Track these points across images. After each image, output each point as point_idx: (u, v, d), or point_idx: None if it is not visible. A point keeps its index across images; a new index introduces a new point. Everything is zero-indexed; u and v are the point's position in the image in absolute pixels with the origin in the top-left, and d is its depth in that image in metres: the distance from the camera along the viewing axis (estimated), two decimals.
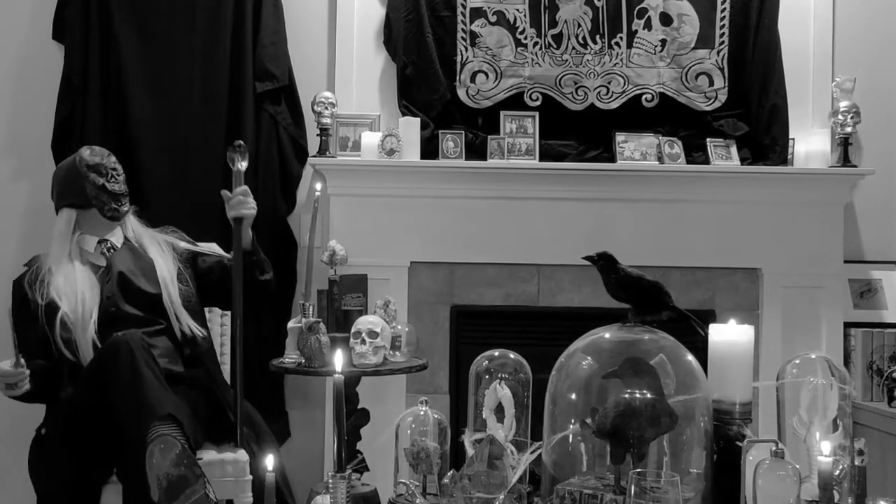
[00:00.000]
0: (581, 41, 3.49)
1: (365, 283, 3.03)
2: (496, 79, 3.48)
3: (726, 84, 3.49)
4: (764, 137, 3.46)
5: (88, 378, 2.49)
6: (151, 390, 2.38)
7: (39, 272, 2.72)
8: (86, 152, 2.80)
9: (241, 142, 2.82)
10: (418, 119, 3.41)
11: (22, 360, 2.48)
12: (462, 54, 3.48)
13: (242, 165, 2.77)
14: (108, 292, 2.71)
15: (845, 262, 3.48)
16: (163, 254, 2.82)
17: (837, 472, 1.99)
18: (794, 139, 3.49)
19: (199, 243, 2.98)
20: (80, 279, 2.69)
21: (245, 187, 2.77)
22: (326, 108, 3.38)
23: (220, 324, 3.10)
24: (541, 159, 3.42)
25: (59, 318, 2.62)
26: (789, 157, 3.48)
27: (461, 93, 3.47)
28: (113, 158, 2.83)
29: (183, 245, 2.90)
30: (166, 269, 2.78)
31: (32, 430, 2.64)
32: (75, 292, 2.66)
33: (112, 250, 2.80)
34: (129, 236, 2.85)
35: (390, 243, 3.39)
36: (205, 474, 2.25)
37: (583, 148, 3.47)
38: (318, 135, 3.40)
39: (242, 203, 2.75)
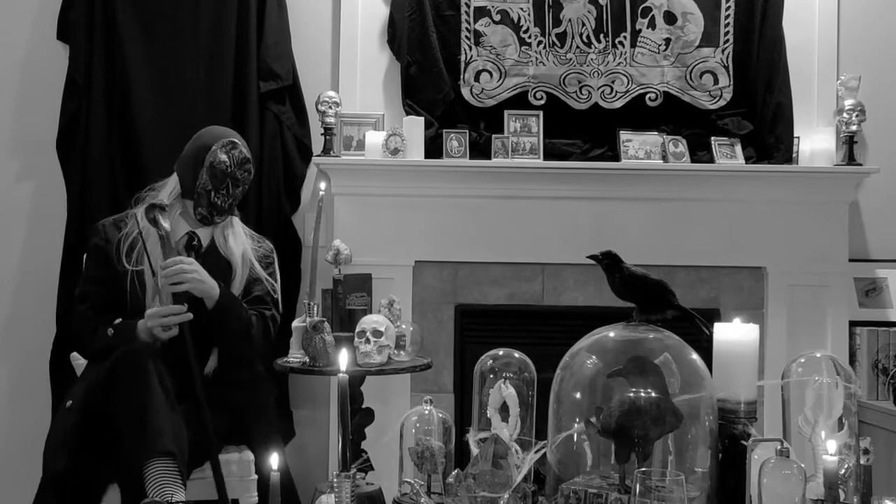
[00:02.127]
0: (585, 40, 3.48)
1: (369, 282, 3.03)
2: (500, 78, 3.48)
3: (731, 82, 3.48)
4: (769, 136, 3.46)
5: (101, 383, 2.43)
6: (155, 416, 2.32)
7: (130, 234, 2.62)
8: (221, 151, 2.65)
9: (161, 201, 2.59)
10: (422, 118, 3.41)
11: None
12: (466, 53, 3.48)
13: (166, 226, 2.55)
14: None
15: (850, 260, 3.47)
16: (239, 282, 2.69)
17: (843, 470, 1.99)
18: (798, 138, 3.49)
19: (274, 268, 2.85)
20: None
21: (175, 258, 2.54)
22: (330, 108, 3.38)
23: None
24: (545, 158, 3.42)
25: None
26: (794, 155, 3.48)
27: (465, 92, 3.47)
28: (248, 167, 2.68)
29: (255, 270, 2.77)
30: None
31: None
32: (149, 300, 2.58)
33: (197, 248, 2.68)
34: (217, 243, 2.73)
35: (394, 242, 3.39)
36: None
37: (587, 147, 3.46)
38: (322, 134, 3.40)
39: (176, 275, 2.52)
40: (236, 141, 2.72)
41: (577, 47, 3.49)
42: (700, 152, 3.46)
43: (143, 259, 2.60)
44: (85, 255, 2.77)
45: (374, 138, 3.39)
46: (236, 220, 2.82)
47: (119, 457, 2.35)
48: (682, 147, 3.44)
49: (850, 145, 3.44)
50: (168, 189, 2.72)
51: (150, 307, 2.57)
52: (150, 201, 2.63)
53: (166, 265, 2.53)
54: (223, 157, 2.66)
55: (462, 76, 3.47)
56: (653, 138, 3.44)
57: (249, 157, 2.73)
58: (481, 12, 3.47)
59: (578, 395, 2.10)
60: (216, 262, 2.71)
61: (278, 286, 2.86)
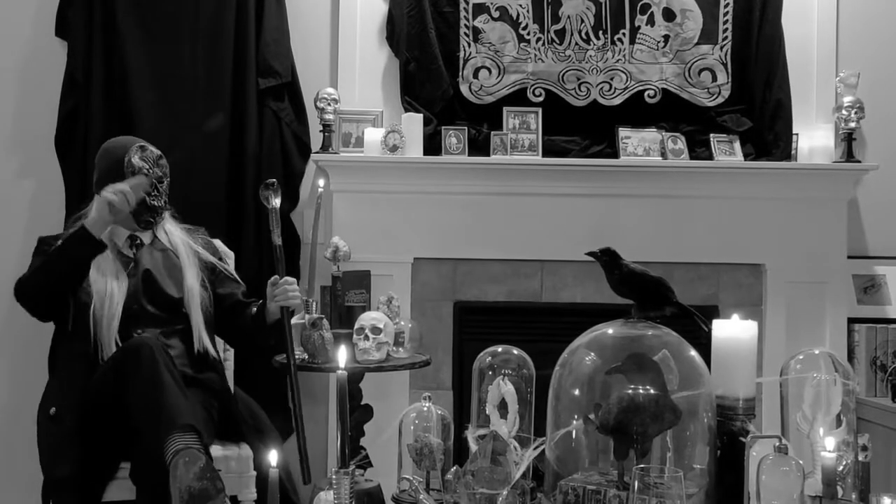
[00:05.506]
0: (584, 37, 3.48)
1: (368, 279, 3.04)
2: (499, 74, 3.47)
3: (729, 79, 3.48)
4: (767, 133, 3.46)
5: (107, 376, 2.48)
6: (171, 397, 2.37)
7: None
8: (136, 155, 2.70)
9: (274, 180, 2.78)
10: (421, 115, 3.41)
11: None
12: (465, 50, 3.48)
13: (276, 202, 2.74)
14: (132, 288, 2.69)
15: (849, 257, 3.48)
16: (190, 262, 2.78)
17: (841, 467, 1.99)
18: (797, 134, 3.49)
19: (220, 251, 2.96)
20: (110, 271, 2.66)
21: (290, 279, 2.74)
22: (329, 105, 3.38)
23: None
24: (544, 155, 3.42)
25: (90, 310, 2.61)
26: (793, 152, 3.48)
27: (464, 88, 3.47)
28: (163, 162, 2.77)
29: (208, 257, 2.86)
30: (194, 278, 2.76)
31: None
32: (105, 286, 2.63)
33: (140, 246, 2.78)
34: (160, 237, 2.81)
35: (393, 239, 3.39)
36: (224, 489, 2.25)
37: (586, 144, 3.46)
38: (320, 131, 3.40)
39: (286, 293, 2.71)
40: (143, 143, 2.77)
41: (576, 44, 3.48)
42: (699, 149, 3.46)
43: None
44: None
45: (373, 135, 3.39)
46: (168, 216, 2.85)
47: (139, 441, 2.38)
48: (681, 144, 3.44)
49: (848, 142, 3.44)
50: (91, 217, 2.67)
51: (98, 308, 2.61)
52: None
53: (274, 281, 2.72)
54: (140, 162, 2.71)
55: (461, 73, 3.47)
56: (651, 135, 3.44)
57: (161, 153, 2.78)
58: (480, 9, 3.47)
59: (577, 392, 2.10)
60: (162, 249, 2.78)
61: (230, 265, 2.95)
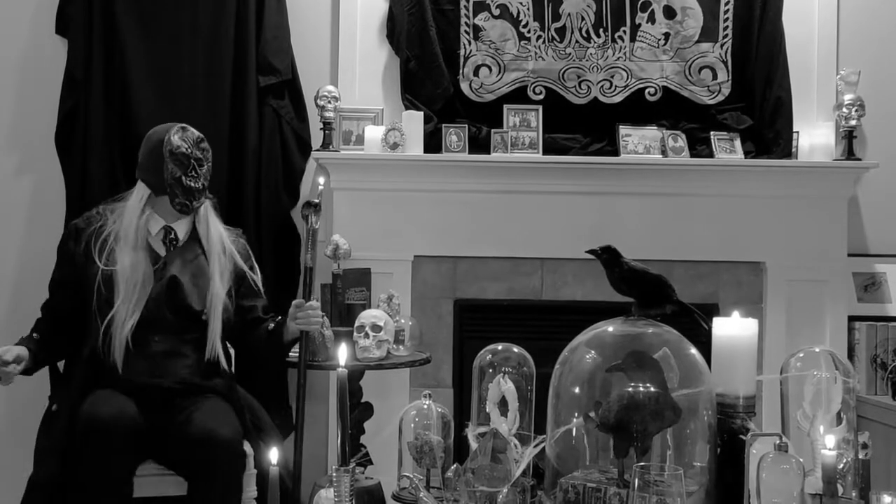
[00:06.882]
0: (584, 35, 3.48)
1: (368, 277, 3.04)
2: (499, 72, 3.47)
3: (730, 77, 3.48)
4: (768, 131, 3.46)
5: (67, 448, 2.46)
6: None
7: (103, 231, 2.66)
8: (175, 136, 2.66)
9: (318, 200, 2.76)
10: (421, 113, 3.41)
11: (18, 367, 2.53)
12: (465, 48, 3.48)
13: (317, 223, 2.72)
14: (156, 293, 2.63)
15: (849, 255, 3.48)
16: (221, 268, 2.72)
17: (841, 465, 1.99)
18: (798, 132, 3.49)
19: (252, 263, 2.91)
20: (140, 270, 2.61)
21: (315, 303, 2.71)
22: (330, 102, 3.38)
23: None
24: (544, 153, 3.42)
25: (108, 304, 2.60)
26: (793, 150, 3.48)
27: (464, 86, 3.47)
28: (204, 145, 2.72)
29: (241, 266, 2.80)
30: (221, 286, 2.70)
31: (30, 427, 2.63)
32: (132, 284, 2.59)
33: (175, 242, 2.71)
34: (200, 232, 2.75)
35: (394, 237, 3.39)
36: None
37: (586, 141, 3.46)
38: (321, 129, 3.40)
39: (309, 318, 2.69)
40: (185, 125, 2.73)
41: (577, 42, 3.48)
42: (699, 147, 3.46)
43: (113, 259, 2.61)
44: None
45: (374, 133, 3.39)
46: (210, 207, 2.79)
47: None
48: (682, 142, 3.44)
49: (849, 140, 3.44)
50: (137, 194, 2.71)
51: (120, 305, 2.59)
52: (114, 204, 2.72)
53: (299, 303, 2.69)
54: (179, 141, 2.67)
55: (461, 71, 3.47)
56: (652, 133, 3.44)
57: (202, 136, 2.74)
58: (480, 7, 3.47)
59: (577, 390, 2.10)
60: (195, 255, 2.73)
61: (258, 277, 2.87)
